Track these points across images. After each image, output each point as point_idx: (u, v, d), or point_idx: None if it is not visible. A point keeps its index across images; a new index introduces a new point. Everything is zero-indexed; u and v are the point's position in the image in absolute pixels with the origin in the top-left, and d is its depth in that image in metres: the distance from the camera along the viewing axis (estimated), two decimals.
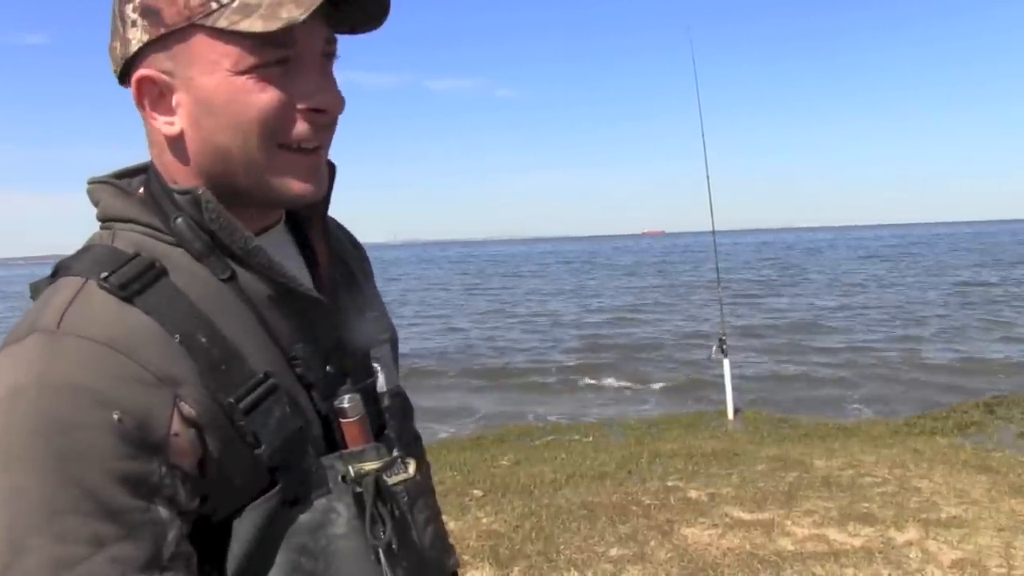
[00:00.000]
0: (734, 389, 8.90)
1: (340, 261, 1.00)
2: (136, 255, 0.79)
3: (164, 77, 0.79)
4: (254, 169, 0.80)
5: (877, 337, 15.92)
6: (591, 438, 8.33)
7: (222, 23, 0.75)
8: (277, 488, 0.80)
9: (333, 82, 0.83)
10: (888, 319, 18.79)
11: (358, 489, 0.85)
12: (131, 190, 0.86)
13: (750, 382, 11.37)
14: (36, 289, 0.82)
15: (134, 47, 0.79)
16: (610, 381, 12.44)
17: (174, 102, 0.80)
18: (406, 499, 0.91)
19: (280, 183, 0.81)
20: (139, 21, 0.78)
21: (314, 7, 0.73)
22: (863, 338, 15.87)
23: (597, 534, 4.62)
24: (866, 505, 4.94)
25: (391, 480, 0.89)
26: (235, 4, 0.75)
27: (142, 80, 0.80)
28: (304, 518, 0.82)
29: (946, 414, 8.56)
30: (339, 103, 0.82)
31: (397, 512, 0.89)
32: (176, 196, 0.81)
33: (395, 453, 0.92)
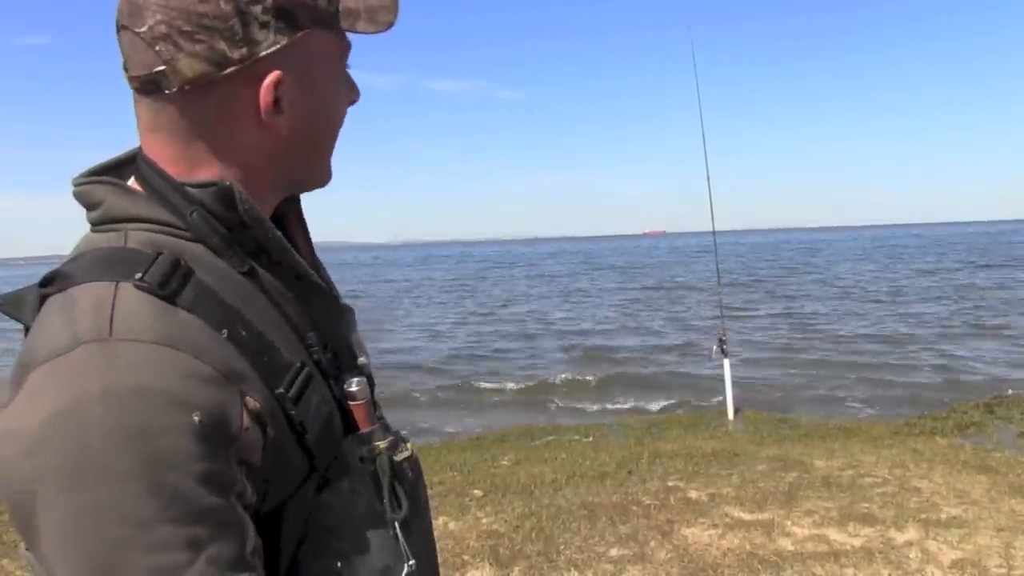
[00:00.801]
0: (734, 388, 8.90)
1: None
2: (159, 254, 0.76)
3: (289, 78, 0.81)
4: (326, 157, 0.89)
5: (878, 337, 15.91)
6: (591, 438, 8.34)
7: (346, 24, 0.81)
8: (317, 474, 0.82)
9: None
10: (889, 319, 18.78)
11: (372, 468, 0.87)
12: (132, 187, 0.85)
13: (750, 382, 11.36)
14: (18, 300, 0.80)
15: (266, 48, 0.78)
16: (595, 407, 11.22)
17: (286, 102, 0.81)
18: (410, 475, 0.93)
19: (324, 172, 0.90)
20: (272, 23, 0.78)
21: (397, 12, 0.81)
22: (864, 338, 15.86)
23: (597, 534, 4.62)
24: (866, 505, 4.95)
25: (397, 458, 0.91)
26: (342, 9, 0.81)
27: (277, 81, 0.80)
28: (333, 501, 0.84)
29: (946, 414, 8.56)
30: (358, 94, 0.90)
31: (407, 488, 0.91)
32: (192, 190, 0.80)
33: (398, 432, 0.94)
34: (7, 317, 0.81)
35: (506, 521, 4.88)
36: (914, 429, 7.87)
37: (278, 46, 0.79)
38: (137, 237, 0.79)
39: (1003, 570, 3.93)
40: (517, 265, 67.93)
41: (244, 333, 0.77)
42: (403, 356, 15.84)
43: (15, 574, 4.40)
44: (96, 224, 0.82)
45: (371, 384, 0.99)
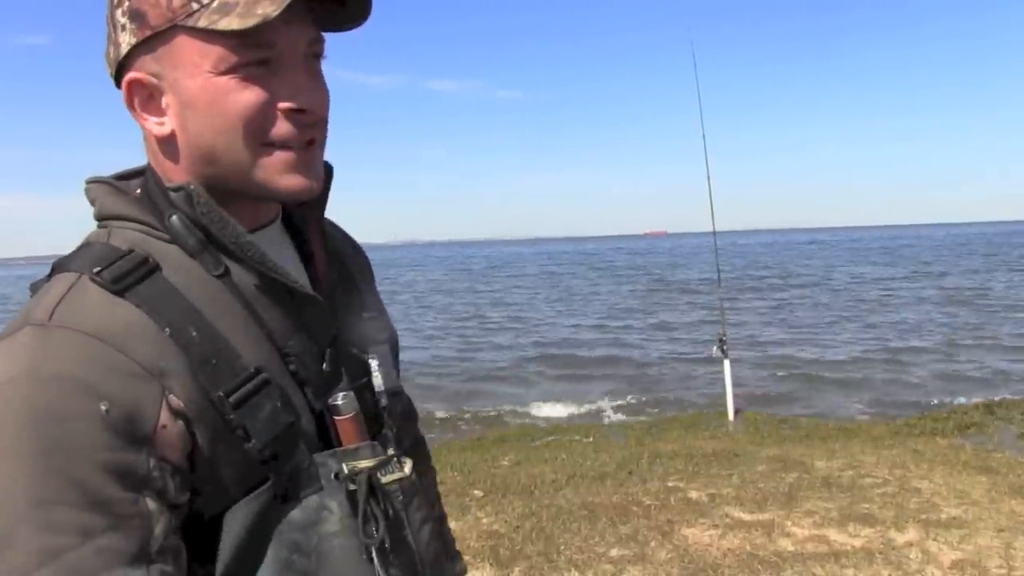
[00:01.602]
0: (734, 388, 8.90)
1: (337, 261, 1.01)
2: (130, 251, 0.80)
3: (152, 79, 0.81)
4: (241, 167, 0.81)
5: (879, 337, 15.91)
6: (591, 439, 8.34)
7: (202, 23, 0.76)
8: (268, 484, 0.80)
9: (317, 81, 0.84)
10: (890, 319, 18.78)
11: (351, 487, 0.84)
12: (128, 190, 0.88)
13: (751, 382, 11.36)
14: (36, 288, 0.83)
15: (124, 50, 0.81)
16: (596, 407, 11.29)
17: (163, 104, 0.82)
18: (401, 498, 0.91)
19: (268, 180, 0.82)
20: (128, 25, 0.80)
21: (287, 2, 0.74)
22: (864, 338, 15.87)
23: (597, 534, 4.62)
24: (866, 506, 4.94)
25: (385, 479, 0.88)
26: (215, 4, 0.76)
27: (132, 83, 0.82)
28: (296, 515, 0.81)
29: (946, 415, 8.56)
30: (321, 103, 0.83)
31: (391, 511, 0.88)
32: (170, 194, 0.83)
33: (391, 452, 0.91)
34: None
35: (506, 521, 4.88)
36: (914, 430, 7.87)
37: (129, 46, 0.80)
38: (121, 235, 0.83)
39: (1003, 571, 3.93)
40: (515, 264, 68.00)
41: (194, 334, 0.77)
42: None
43: None
44: (96, 220, 0.86)
45: (404, 406, 0.99)
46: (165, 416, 0.73)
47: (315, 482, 0.83)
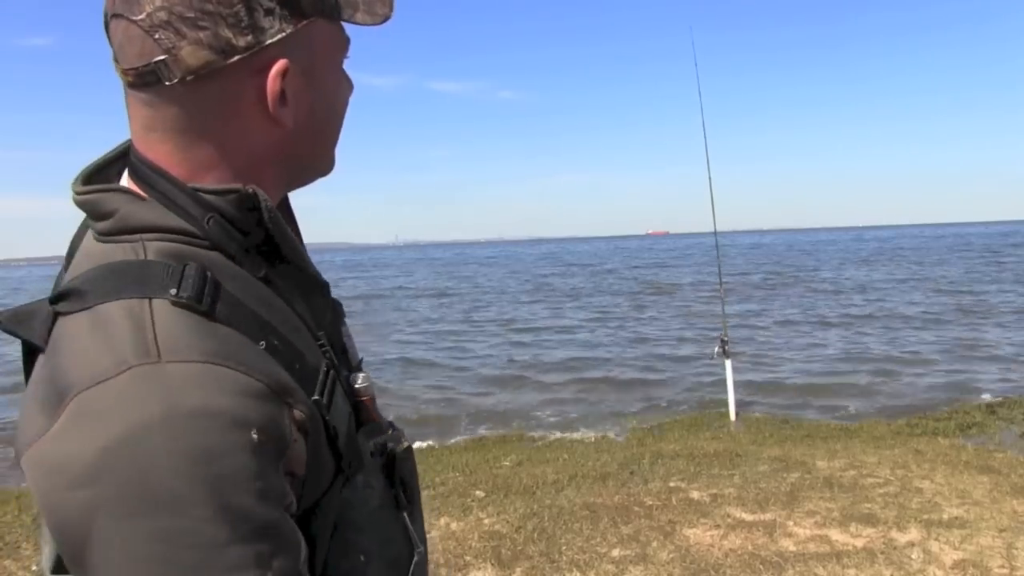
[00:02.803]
0: (735, 389, 8.90)
1: None
2: (185, 265, 0.73)
3: (294, 67, 0.78)
4: (332, 147, 0.87)
5: (879, 337, 15.90)
6: (593, 439, 8.35)
7: (346, 15, 0.79)
8: (343, 474, 0.81)
9: None
10: (890, 319, 18.77)
11: (383, 461, 0.89)
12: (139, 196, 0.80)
13: (752, 383, 11.36)
14: (24, 316, 0.77)
15: (271, 37, 0.75)
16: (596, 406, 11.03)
17: (291, 92, 0.78)
18: (409, 466, 0.95)
19: (329, 162, 0.89)
20: (277, 10, 0.74)
21: (393, 6, 0.80)
22: (865, 338, 15.86)
23: (599, 535, 4.62)
24: (868, 506, 4.95)
25: (399, 449, 0.92)
26: (342, 0, 0.79)
27: (283, 70, 0.76)
28: (351, 496, 0.83)
29: (948, 415, 8.56)
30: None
31: (408, 479, 0.93)
32: (207, 196, 0.77)
33: (395, 426, 0.96)
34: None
35: (508, 522, 4.88)
36: (916, 430, 7.87)
37: (284, 34, 0.75)
38: (156, 248, 0.75)
39: (1005, 570, 3.93)
40: (515, 264, 68.00)
41: (277, 343, 0.75)
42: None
43: (17, 575, 4.40)
44: (107, 234, 0.77)
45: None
46: (294, 431, 0.73)
47: (360, 461, 0.84)
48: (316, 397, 0.76)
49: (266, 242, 0.80)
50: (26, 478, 0.69)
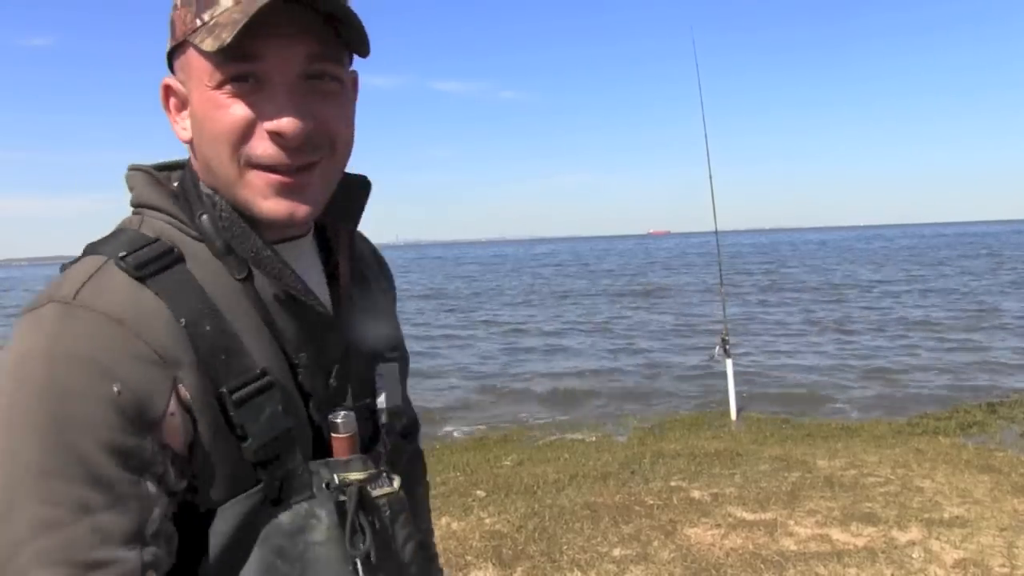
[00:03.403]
0: (736, 388, 8.89)
1: (361, 278, 1.02)
2: (156, 240, 0.82)
3: (180, 86, 0.85)
4: (228, 183, 0.83)
5: (880, 337, 15.90)
6: (594, 438, 8.34)
7: (196, 41, 0.79)
8: (260, 486, 0.81)
9: (305, 102, 0.81)
10: (890, 318, 18.77)
11: (341, 497, 0.85)
12: (166, 182, 0.90)
13: (753, 382, 11.35)
14: (65, 269, 0.85)
15: (167, 54, 0.86)
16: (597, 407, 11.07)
17: (187, 111, 0.85)
18: (388, 513, 0.92)
19: (250, 200, 0.83)
20: (168, 32, 0.85)
21: (236, 31, 0.75)
22: (866, 338, 15.85)
23: (600, 534, 4.62)
24: (869, 505, 4.95)
25: (375, 492, 0.89)
26: (209, 24, 0.79)
27: (166, 87, 0.87)
28: (284, 520, 0.82)
29: (948, 414, 8.56)
30: (298, 126, 0.79)
31: (378, 524, 0.89)
32: (203, 196, 0.86)
33: (381, 468, 0.92)
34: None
35: (509, 521, 4.88)
36: (917, 429, 7.86)
37: (166, 52, 0.86)
38: (152, 224, 0.85)
39: (1006, 569, 3.93)
40: (514, 264, 67.98)
41: (208, 328, 0.79)
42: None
43: None
44: (132, 206, 0.89)
45: (405, 423, 1.01)
46: (173, 405, 0.76)
47: (306, 489, 0.84)
48: (223, 390, 0.79)
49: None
50: None
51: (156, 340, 0.75)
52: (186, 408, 0.77)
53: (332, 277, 0.96)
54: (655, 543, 4.45)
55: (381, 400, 0.97)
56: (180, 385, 0.76)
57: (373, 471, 0.90)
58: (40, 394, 0.71)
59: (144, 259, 0.79)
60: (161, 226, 0.85)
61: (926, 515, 4.70)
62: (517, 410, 10.65)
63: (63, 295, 0.76)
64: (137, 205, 0.88)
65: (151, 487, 0.74)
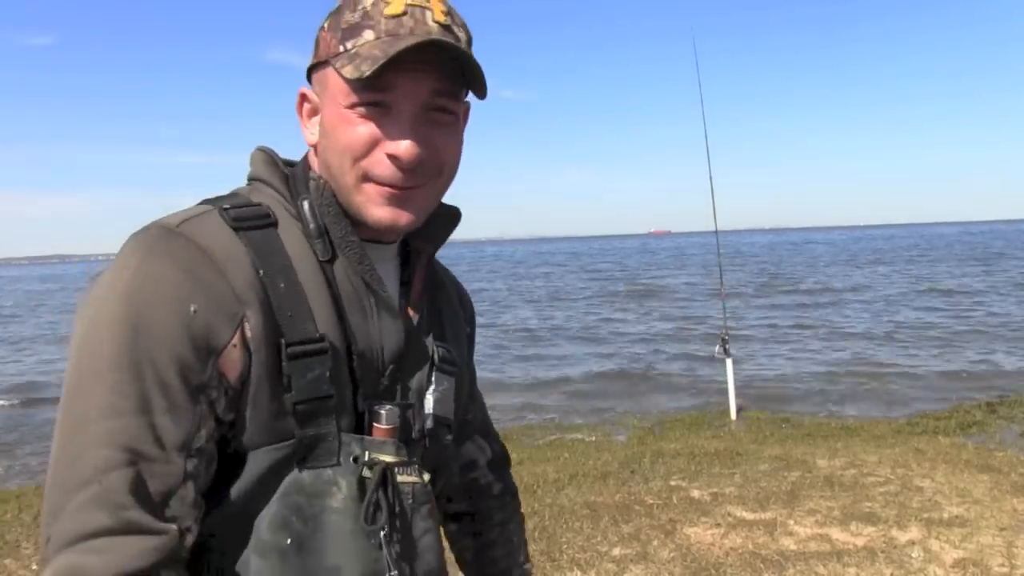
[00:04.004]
0: (736, 388, 8.90)
1: (433, 297, 1.10)
2: (258, 204, 0.93)
3: (315, 97, 0.96)
4: (344, 190, 0.94)
5: (880, 336, 15.90)
6: (594, 438, 8.35)
7: (337, 65, 0.90)
8: (292, 441, 0.87)
9: (423, 132, 0.91)
10: (891, 318, 18.77)
11: (366, 473, 0.91)
12: (282, 166, 1.01)
13: (752, 381, 11.36)
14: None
15: (307, 67, 0.98)
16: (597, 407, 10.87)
17: (317, 118, 0.96)
18: (411, 501, 0.97)
19: (362, 207, 0.93)
20: (313, 48, 0.96)
21: (376, 66, 0.86)
22: (865, 337, 15.86)
23: (600, 533, 4.62)
24: (868, 504, 4.95)
25: (400, 478, 0.95)
26: (351, 52, 0.89)
27: (302, 95, 0.98)
28: (306, 479, 0.88)
29: (948, 414, 8.56)
30: (415, 152, 0.90)
31: (398, 508, 0.94)
32: (309, 181, 0.97)
33: (414, 459, 0.98)
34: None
35: None
36: (916, 428, 7.86)
37: (308, 66, 0.97)
38: (259, 193, 0.97)
39: (1005, 569, 3.93)
40: (513, 263, 67.96)
41: (282, 286, 0.88)
42: None
43: (18, 573, 4.41)
44: (248, 180, 1.01)
45: (433, 431, 1.02)
46: (237, 338, 0.84)
47: (333, 457, 0.90)
48: (283, 340, 0.87)
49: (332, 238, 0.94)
50: None
51: (236, 278, 0.85)
52: (246, 346, 0.85)
53: (406, 288, 1.05)
54: (655, 542, 4.46)
55: (429, 404, 1.02)
56: (246, 323, 0.85)
57: (404, 458, 0.95)
58: (126, 298, 0.81)
59: (243, 215, 0.90)
60: (266, 197, 0.96)
61: (926, 515, 4.70)
62: (517, 409, 10.65)
63: (169, 223, 0.87)
64: (252, 178, 0.99)
65: (204, 407, 0.82)
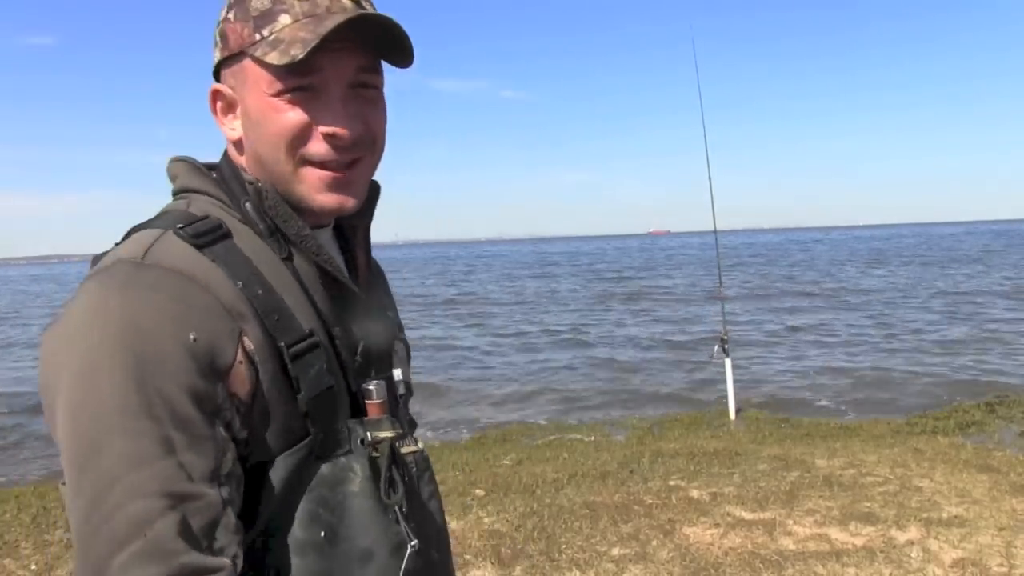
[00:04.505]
0: (735, 388, 8.89)
1: (374, 270, 1.13)
2: (206, 216, 0.90)
3: (230, 92, 0.95)
4: (282, 178, 0.93)
5: (879, 336, 15.91)
6: (593, 438, 8.34)
7: (258, 53, 0.89)
8: (307, 439, 0.88)
9: (356, 108, 0.93)
10: (890, 317, 18.78)
11: (374, 453, 0.93)
12: (207, 172, 0.98)
13: (751, 381, 11.36)
14: (103, 256, 0.92)
15: (214, 63, 0.96)
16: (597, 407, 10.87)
17: (237, 112, 0.95)
18: (415, 469, 1.01)
19: (306, 195, 0.93)
20: (218, 42, 0.95)
21: (308, 49, 0.85)
22: (865, 337, 15.86)
23: (599, 533, 4.62)
24: (867, 504, 4.95)
25: (403, 450, 0.98)
26: (270, 39, 0.89)
27: (215, 92, 0.96)
28: (326, 472, 0.90)
29: (947, 413, 8.56)
30: (351, 130, 0.92)
31: (407, 479, 0.98)
32: (247, 184, 0.95)
33: (405, 429, 1.01)
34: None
35: (508, 520, 4.88)
36: (915, 428, 7.87)
37: (216, 61, 0.96)
38: (199, 205, 0.94)
39: (1004, 569, 3.93)
40: (513, 263, 67.94)
41: (260, 292, 0.87)
42: None
43: (17, 574, 4.41)
44: (174, 194, 0.97)
45: (404, 396, 1.07)
46: (240, 354, 0.83)
47: (344, 444, 0.92)
48: (282, 343, 0.86)
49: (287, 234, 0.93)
50: None
51: (222, 295, 0.83)
52: (250, 359, 0.84)
53: (349, 265, 1.06)
54: (654, 542, 4.46)
55: (397, 374, 1.06)
56: (245, 337, 0.83)
57: (400, 431, 0.98)
58: (122, 338, 0.77)
59: (199, 231, 0.87)
60: (208, 207, 0.93)
61: (925, 515, 4.70)
62: (516, 409, 10.65)
63: (131, 256, 0.83)
64: (182, 190, 0.96)
65: (222, 431, 0.81)
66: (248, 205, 0.93)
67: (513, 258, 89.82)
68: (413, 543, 0.93)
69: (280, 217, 0.92)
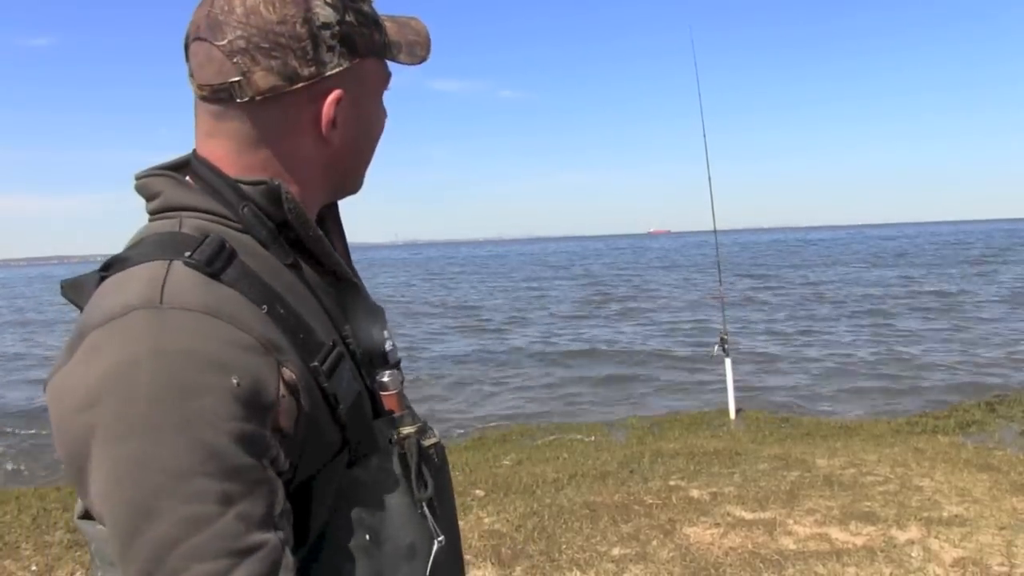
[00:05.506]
0: (735, 387, 8.89)
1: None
2: (206, 236, 0.84)
3: (346, 97, 0.92)
4: (364, 168, 1.00)
5: (878, 335, 15.90)
6: (593, 438, 8.34)
7: (391, 55, 0.94)
8: (345, 448, 0.87)
9: None
10: (889, 317, 18.77)
11: (401, 450, 0.93)
12: (186, 182, 0.91)
13: (751, 381, 11.35)
14: (78, 285, 0.86)
15: (331, 69, 0.89)
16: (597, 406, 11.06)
17: (338, 121, 0.92)
18: (437, 462, 1.00)
19: (364, 178, 1.02)
20: (337, 47, 0.89)
21: (427, 50, 0.96)
22: (865, 337, 15.85)
23: (599, 533, 4.62)
24: (868, 504, 4.95)
25: (425, 443, 0.97)
26: (389, 42, 0.94)
27: (340, 99, 0.91)
28: (363, 476, 0.89)
29: (947, 413, 8.56)
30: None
31: (432, 472, 0.97)
32: (244, 187, 0.88)
33: (421, 419, 1.01)
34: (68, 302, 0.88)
35: (508, 521, 4.88)
36: (916, 428, 7.87)
37: (341, 68, 0.89)
38: (191, 224, 0.86)
39: (1005, 568, 3.93)
40: (513, 262, 67.95)
41: (282, 311, 0.83)
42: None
43: (17, 575, 4.41)
44: (154, 213, 0.90)
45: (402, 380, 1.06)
46: (282, 388, 0.79)
47: (375, 446, 0.91)
48: (315, 364, 0.83)
49: (297, 237, 0.90)
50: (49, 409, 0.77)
51: (253, 329, 0.78)
52: (291, 389, 0.80)
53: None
54: (654, 542, 4.46)
55: (397, 359, 1.05)
56: (283, 368, 0.79)
57: (420, 424, 0.97)
58: (160, 396, 0.72)
59: (209, 256, 0.81)
60: (201, 224, 0.87)
61: (925, 514, 4.70)
62: (515, 410, 10.65)
63: (146, 301, 0.76)
64: (167, 208, 0.89)
65: (271, 471, 0.77)
66: (247, 211, 0.87)
67: (513, 258, 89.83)
68: (440, 538, 0.94)
69: (299, 219, 0.89)
